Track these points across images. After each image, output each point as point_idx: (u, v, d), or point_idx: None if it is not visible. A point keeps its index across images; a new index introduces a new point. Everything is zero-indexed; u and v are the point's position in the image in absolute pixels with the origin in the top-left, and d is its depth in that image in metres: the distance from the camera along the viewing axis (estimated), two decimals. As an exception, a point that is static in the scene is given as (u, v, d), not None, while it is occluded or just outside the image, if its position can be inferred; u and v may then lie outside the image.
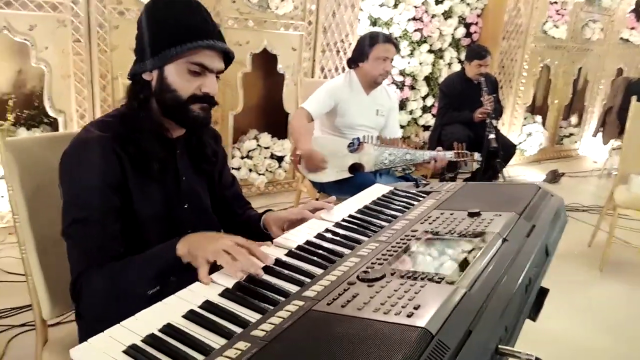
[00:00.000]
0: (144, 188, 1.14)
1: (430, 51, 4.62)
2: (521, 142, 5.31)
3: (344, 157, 2.48)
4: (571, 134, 5.83)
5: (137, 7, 2.99)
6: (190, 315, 0.72)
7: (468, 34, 4.83)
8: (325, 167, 2.40)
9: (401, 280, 0.76)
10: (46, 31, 2.80)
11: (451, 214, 1.05)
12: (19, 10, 2.69)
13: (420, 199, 1.21)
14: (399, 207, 1.15)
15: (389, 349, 0.59)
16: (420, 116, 4.76)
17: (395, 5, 4.26)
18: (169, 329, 0.69)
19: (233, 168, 3.69)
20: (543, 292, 1.00)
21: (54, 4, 2.78)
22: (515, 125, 5.20)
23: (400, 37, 4.38)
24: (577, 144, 5.98)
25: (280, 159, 3.80)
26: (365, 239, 0.98)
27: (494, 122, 3.65)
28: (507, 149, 3.93)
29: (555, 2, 4.91)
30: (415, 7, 4.37)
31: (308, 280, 0.81)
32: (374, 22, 4.19)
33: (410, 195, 1.24)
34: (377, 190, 1.28)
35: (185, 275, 0.90)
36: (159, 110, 1.15)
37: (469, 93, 3.88)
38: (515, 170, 5.12)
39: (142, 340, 0.66)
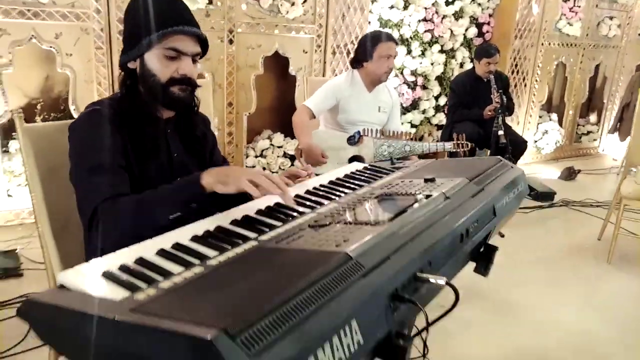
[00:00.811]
0: (142, 162, 1.29)
1: (441, 51, 4.70)
2: (537, 140, 5.31)
3: (345, 150, 2.60)
4: (590, 132, 5.80)
5: (154, 15, 3.19)
6: (161, 252, 0.85)
7: (480, 34, 4.89)
8: (324, 161, 2.51)
9: (343, 226, 0.88)
10: (71, 39, 3.03)
11: (410, 182, 1.16)
12: (45, 20, 2.92)
13: (390, 172, 1.32)
14: (366, 179, 1.26)
15: (311, 266, 0.70)
16: (433, 115, 4.84)
17: (405, 7, 4.38)
18: (140, 261, 0.82)
19: (247, 166, 3.85)
20: (491, 249, 1.09)
21: (78, 13, 3.00)
22: (531, 124, 5.21)
23: (411, 38, 4.48)
24: (596, 142, 5.93)
25: (292, 157, 3.94)
26: (327, 202, 1.09)
27: (503, 118, 3.71)
28: (517, 145, 3.97)
29: (566, 0, 4.92)
30: (426, 8, 4.47)
31: (267, 229, 0.94)
32: (384, 24, 4.31)
33: (381, 169, 1.35)
34: (352, 167, 1.39)
35: (206, 202, 1.05)
36: (147, 95, 1.30)
37: (479, 91, 3.95)
38: (532, 168, 5.13)
39: (118, 268, 0.80)
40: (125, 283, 0.74)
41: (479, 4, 4.77)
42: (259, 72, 3.72)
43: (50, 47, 3.00)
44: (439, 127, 4.85)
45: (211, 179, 1.07)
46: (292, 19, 3.69)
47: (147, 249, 0.87)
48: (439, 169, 1.30)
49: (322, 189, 1.20)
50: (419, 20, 4.47)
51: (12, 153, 3.05)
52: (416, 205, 0.95)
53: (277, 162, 3.87)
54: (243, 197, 1.07)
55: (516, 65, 4.89)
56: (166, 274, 0.77)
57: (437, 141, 4.25)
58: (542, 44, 4.97)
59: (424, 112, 4.78)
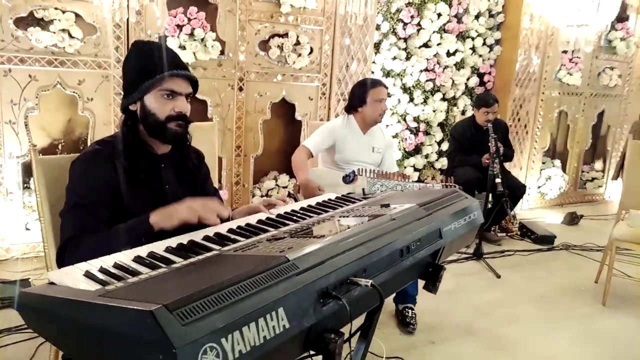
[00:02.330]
0: (134, 193, 1.46)
1: (443, 99, 4.90)
2: (540, 186, 5.39)
3: (341, 188, 2.75)
4: (594, 179, 5.85)
5: (169, 64, 3.47)
6: (137, 258, 1.00)
7: (482, 83, 5.09)
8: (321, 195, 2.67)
9: (295, 239, 1.02)
10: (92, 85, 3.30)
11: (369, 207, 1.30)
12: (70, 68, 3.21)
13: (357, 201, 1.47)
14: (334, 205, 1.41)
15: (253, 265, 0.84)
16: (436, 160, 4.98)
17: (408, 58, 4.62)
18: (116, 264, 0.97)
19: (253, 206, 4.01)
20: (437, 268, 1.21)
21: (100, 62, 3.29)
22: (534, 169, 5.31)
23: (413, 86, 4.70)
24: (601, 189, 5.97)
25: (297, 198, 4.10)
26: (292, 223, 1.24)
27: (500, 164, 3.81)
28: (515, 190, 4.07)
29: (566, 52, 5.12)
30: (427, 59, 4.70)
31: (231, 243, 1.08)
32: (387, 74, 4.55)
33: (350, 198, 1.50)
34: (326, 196, 1.54)
35: (153, 239, 1.18)
36: (146, 132, 1.49)
37: (478, 138, 4.10)
38: (536, 213, 5.19)
39: (98, 270, 0.95)
40: (100, 279, 0.89)
41: (480, 55, 5.00)
42: (266, 117, 3.94)
43: (74, 92, 3.27)
44: (442, 171, 4.98)
45: (157, 217, 1.25)
46: (298, 69, 3.94)
47: (127, 255, 1.02)
48: (400, 197, 1.44)
49: (292, 213, 1.35)
50: (421, 70, 4.70)
51: (32, 189, 3.28)
52: (361, 224, 1.09)
53: (287, 198, 4.02)
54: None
55: (517, 113, 5.05)
56: (135, 273, 0.91)
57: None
58: (543, 93, 5.14)
59: (426, 156, 4.93)
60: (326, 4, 3.93)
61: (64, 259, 1.28)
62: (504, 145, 4.11)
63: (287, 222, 1.25)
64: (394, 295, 2.83)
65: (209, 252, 1.01)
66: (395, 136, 4.71)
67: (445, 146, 4.93)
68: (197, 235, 1.14)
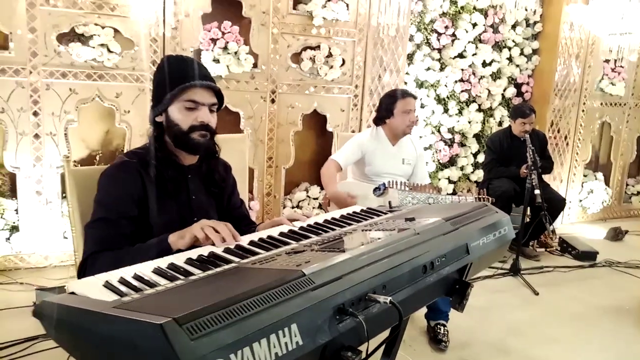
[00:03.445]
0: (161, 203, 1.47)
1: (479, 110, 4.80)
2: (582, 200, 5.19)
3: (370, 201, 2.71)
4: (640, 192, 5.60)
5: (203, 77, 3.53)
6: (156, 269, 1.00)
7: (519, 93, 4.97)
8: (354, 202, 2.63)
9: (314, 252, 1.00)
10: (129, 98, 3.39)
11: (394, 221, 1.27)
12: (108, 81, 3.30)
13: (382, 214, 1.43)
14: (358, 219, 1.38)
15: (270, 279, 0.83)
16: (472, 172, 4.88)
17: (442, 69, 4.56)
18: (136, 275, 0.97)
19: (284, 217, 4.02)
20: (464, 285, 1.16)
21: (137, 76, 3.38)
22: (575, 182, 5.13)
23: (447, 97, 4.63)
24: (649, 203, 5.71)
25: (327, 211, 4.08)
26: (314, 236, 1.22)
27: (538, 176, 3.69)
28: (555, 203, 3.94)
29: (608, 61, 4.94)
30: (462, 69, 4.63)
31: (250, 255, 1.07)
32: (420, 84, 4.49)
33: (375, 211, 1.47)
34: (351, 209, 1.51)
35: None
36: (172, 143, 1.50)
37: (515, 149, 4.00)
38: (577, 228, 4.99)
39: (117, 280, 0.95)
40: (118, 290, 0.89)
41: (517, 65, 4.88)
42: (298, 129, 3.96)
43: (111, 104, 3.37)
44: (478, 183, 4.87)
45: (174, 237, 1.27)
46: (330, 80, 3.94)
47: (147, 267, 1.02)
48: (427, 210, 1.40)
49: (315, 225, 1.33)
50: (456, 81, 4.63)
51: (71, 198, 3.38)
52: (384, 238, 1.06)
53: (312, 212, 4.02)
54: None
55: (557, 124, 4.89)
56: (153, 285, 0.91)
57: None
58: (584, 103, 4.97)
59: (462, 168, 4.83)
60: (359, 16, 3.93)
61: (84, 274, 1.30)
62: (541, 157, 3.99)
63: (309, 234, 1.23)
64: (425, 310, 2.76)
65: (228, 264, 1.00)
66: (429, 147, 4.64)
67: (481, 158, 4.82)
68: (219, 248, 1.13)
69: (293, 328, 0.75)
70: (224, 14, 3.57)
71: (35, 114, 3.19)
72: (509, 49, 4.80)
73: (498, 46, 4.76)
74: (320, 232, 1.25)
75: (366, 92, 4.08)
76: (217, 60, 3.51)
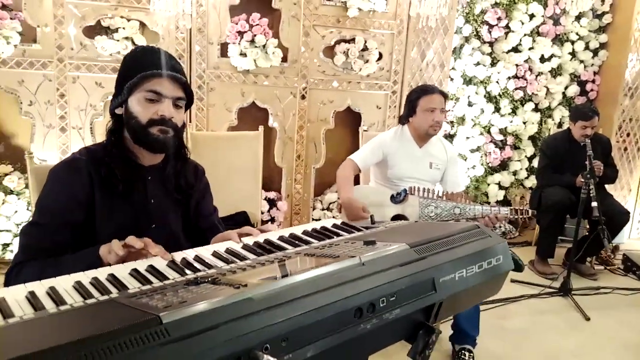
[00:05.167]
0: (112, 206, 1.32)
1: (535, 109, 4.37)
2: (654, 213, 4.61)
3: (388, 208, 2.46)
4: None
5: (230, 72, 3.40)
6: (76, 285, 0.85)
7: (583, 92, 4.47)
8: (366, 217, 2.39)
9: (211, 285, 0.79)
10: (154, 92, 3.32)
11: (352, 243, 1.03)
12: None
13: (353, 231, 1.20)
14: (318, 236, 1.15)
15: (118, 322, 0.63)
16: (526, 177, 4.44)
17: (493, 64, 4.17)
18: (28, 294, 0.81)
19: (313, 219, 3.82)
20: (428, 331, 0.91)
21: (162, 70, 3.30)
22: (646, 193, 4.55)
23: (499, 95, 4.23)
24: None
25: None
26: (252, 256, 1.01)
27: (593, 186, 3.22)
28: (616, 217, 3.47)
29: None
30: (517, 65, 4.21)
31: (139, 285, 0.87)
32: (469, 81, 4.13)
33: (346, 228, 1.24)
34: (322, 223, 1.29)
35: None
36: (131, 138, 1.34)
37: (573, 155, 3.57)
38: (645, 244, 4.43)
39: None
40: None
41: (581, 61, 4.39)
42: (329, 127, 3.74)
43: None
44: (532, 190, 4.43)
45: (105, 250, 1.11)
46: (365, 76, 3.69)
47: (43, 285, 0.87)
48: (398, 231, 1.15)
49: (261, 244, 1.12)
50: (509, 77, 4.22)
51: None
52: (314, 270, 0.83)
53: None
54: None
55: (626, 128, 4.36)
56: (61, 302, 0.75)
57: (529, 207, 3.89)
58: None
59: (514, 173, 4.42)
60: (398, 7, 3.65)
61: (9, 284, 1.17)
62: (605, 164, 3.53)
63: (236, 258, 1.02)
64: (450, 331, 2.47)
65: (107, 294, 0.82)
66: (477, 149, 4.26)
67: (537, 162, 4.38)
68: (140, 265, 0.96)
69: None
70: (253, 5, 3.42)
71: (61, 107, 3.18)
72: (572, 42, 4.31)
73: (559, 39, 4.29)
74: (258, 253, 1.04)
75: (405, 88, 3.79)
76: (244, 54, 3.36)
